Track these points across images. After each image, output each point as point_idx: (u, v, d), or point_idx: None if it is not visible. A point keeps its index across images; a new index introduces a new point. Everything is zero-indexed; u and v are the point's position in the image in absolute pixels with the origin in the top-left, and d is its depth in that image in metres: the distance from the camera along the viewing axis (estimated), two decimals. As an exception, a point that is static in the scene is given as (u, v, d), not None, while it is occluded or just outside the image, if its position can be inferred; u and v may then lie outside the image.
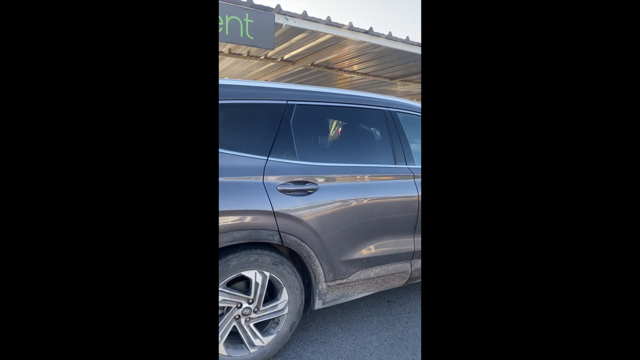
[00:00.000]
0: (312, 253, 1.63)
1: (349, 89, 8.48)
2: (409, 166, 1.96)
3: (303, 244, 1.59)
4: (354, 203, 1.73)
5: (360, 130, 1.94)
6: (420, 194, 1.93)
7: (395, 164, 1.94)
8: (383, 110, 1.99)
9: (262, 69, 6.52)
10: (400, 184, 1.90)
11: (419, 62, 5.43)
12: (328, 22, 3.64)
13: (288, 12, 3.43)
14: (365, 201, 1.76)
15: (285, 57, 5.47)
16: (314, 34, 4.13)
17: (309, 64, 5.90)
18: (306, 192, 1.60)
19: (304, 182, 1.61)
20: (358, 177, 1.79)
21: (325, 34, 3.97)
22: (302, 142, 1.70)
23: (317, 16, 3.66)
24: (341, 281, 1.76)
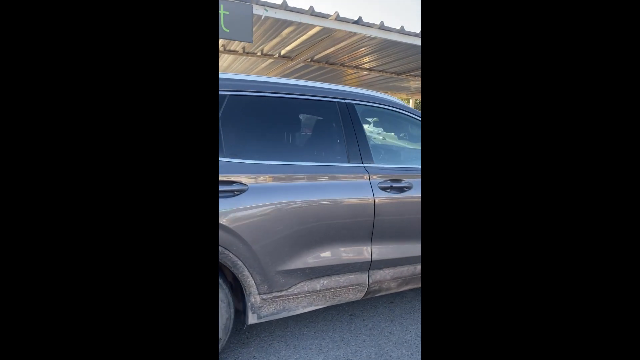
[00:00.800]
0: (239, 263, 1.45)
1: (357, 86, 8.27)
2: (365, 165, 1.74)
3: (227, 252, 1.42)
4: (293, 206, 1.53)
5: (307, 124, 1.73)
6: (375, 196, 1.70)
7: (349, 162, 1.72)
8: (337, 102, 1.78)
9: (263, 66, 6.41)
10: (352, 185, 1.68)
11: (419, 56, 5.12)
12: (312, 13, 3.44)
13: (267, 2, 3.26)
14: (308, 204, 1.56)
15: (282, 52, 5.31)
16: (301, 27, 3.94)
17: (309, 60, 5.71)
18: (232, 194, 1.42)
19: (229, 182, 1.43)
20: (299, 177, 1.59)
21: (314, 25, 3.77)
22: (233, 138, 1.52)
23: (300, 6, 3.45)
24: (279, 294, 1.57)
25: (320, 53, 5.25)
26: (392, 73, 6.63)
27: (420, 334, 1.85)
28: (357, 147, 1.75)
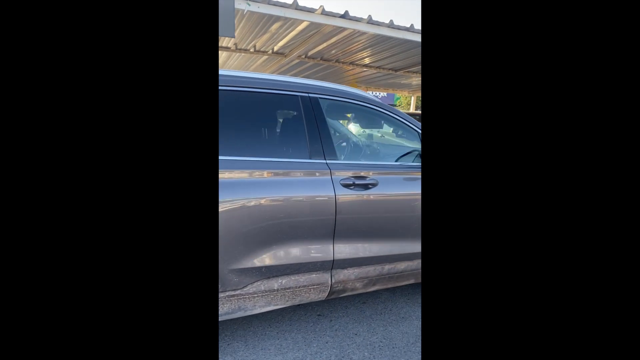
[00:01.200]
0: (187, 260, 1.41)
1: (356, 83, 8.17)
2: (328, 161, 1.68)
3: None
4: (248, 204, 1.49)
5: (265, 118, 1.68)
6: (336, 193, 1.64)
7: (310, 158, 1.67)
8: (300, 96, 1.72)
9: (259, 63, 6.37)
10: (312, 182, 1.63)
11: (415, 51, 5.02)
12: (296, 7, 3.38)
13: (250, -4, 3.22)
14: (263, 202, 1.51)
15: (275, 49, 5.27)
16: (289, 21, 3.89)
17: (303, 56, 5.66)
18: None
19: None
20: (255, 173, 1.54)
21: (302, 20, 3.71)
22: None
23: (284, 0, 3.38)
24: (233, 293, 1.53)
25: (313, 49, 5.19)
26: (389, 69, 6.53)
27: (385, 336, 1.79)
28: (319, 143, 1.69)
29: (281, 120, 1.75)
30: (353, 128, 5.09)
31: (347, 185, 1.67)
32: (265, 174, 1.56)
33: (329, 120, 2.79)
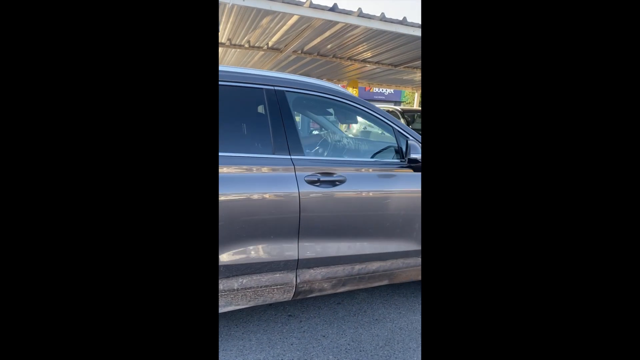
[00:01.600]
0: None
1: (358, 78, 8.05)
2: (293, 157, 1.62)
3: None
4: (204, 200, 1.44)
5: (227, 112, 1.62)
6: (300, 190, 1.58)
7: (274, 154, 1.61)
8: (265, 89, 1.66)
9: (256, 59, 6.33)
10: (274, 179, 1.57)
11: (412, 45, 4.90)
12: (283, 0, 3.31)
13: (235, -11, 3.16)
14: (222, 198, 1.46)
15: (270, 44, 5.21)
16: (278, 15, 3.82)
17: (299, 52, 5.59)
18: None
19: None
20: (213, 168, 1.49)
21: (292, 14, 3.64)
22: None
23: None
24: (190, 292, 1.48)
25: (308, 44, 5.12)
26: (389, 65, 6.41)
27: (354, 339, 1.73)
28: (284, 138, 1.63)
29: (244, 114, 1.69)
30: (354, 126, 5.00)
31: (312, 182, 1.61)
32: (225, 169, 1.50)
33: (320, 117, 2.73)
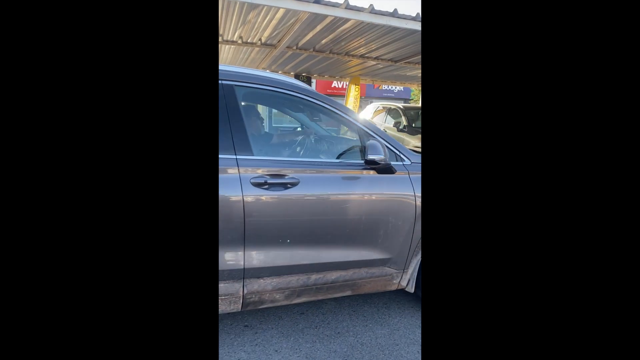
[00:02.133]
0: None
1: (360, 75, 7.86)
2: (238, 157, 1.49)
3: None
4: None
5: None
6: (244, 193, 1.45)
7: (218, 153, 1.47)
8: (211, 83, 1.53)
9: (252, 55, 6.22)
10: (219, 181, 1.44)
11: (409, 39, 4.69)
12: (265, -8, 3.17)
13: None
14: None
15: (263, 40, 5.08)
16: (264, 9, 3.69)
17: (294, 47, 5.45)
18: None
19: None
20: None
21: (278, 7, 3.50)
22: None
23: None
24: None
25: (301, 39, 4.97)
26: (388, 60, 6.21)
27: (309, 355, 1.59)
28: (229, 136, 1.50)
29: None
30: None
31: (258, 185, 1.48)
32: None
33: (300, 115, 2.57)
